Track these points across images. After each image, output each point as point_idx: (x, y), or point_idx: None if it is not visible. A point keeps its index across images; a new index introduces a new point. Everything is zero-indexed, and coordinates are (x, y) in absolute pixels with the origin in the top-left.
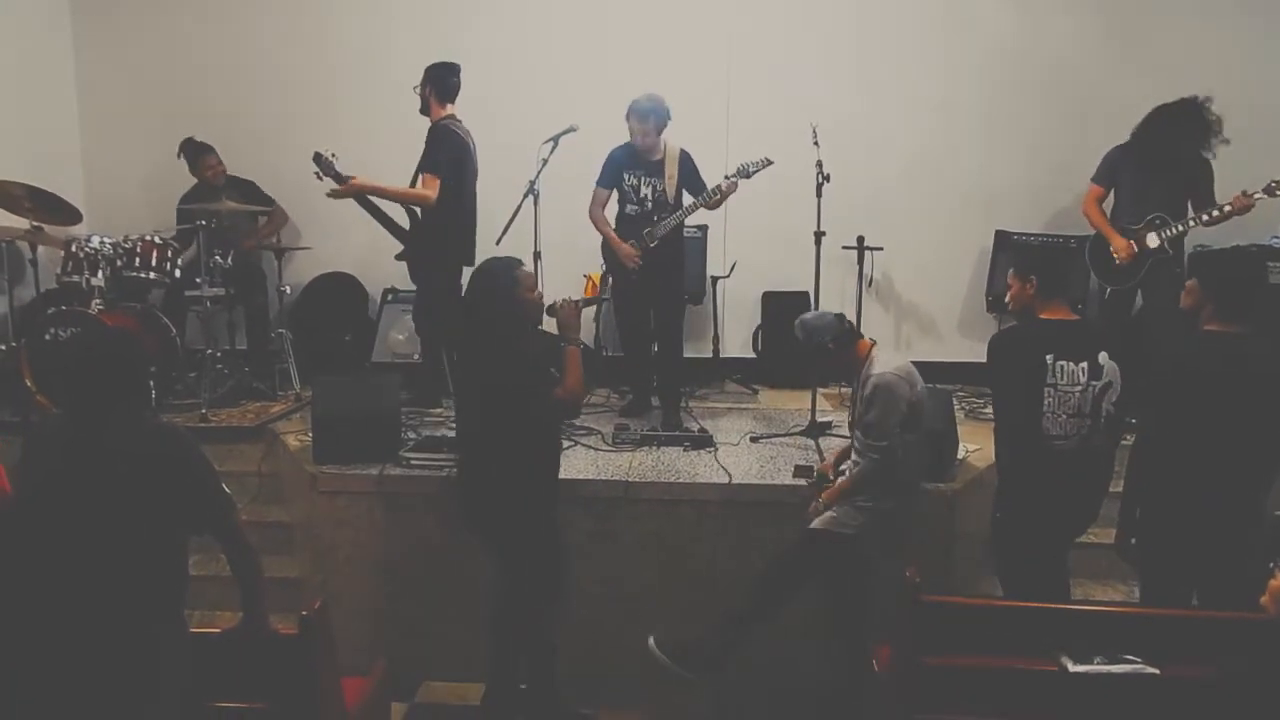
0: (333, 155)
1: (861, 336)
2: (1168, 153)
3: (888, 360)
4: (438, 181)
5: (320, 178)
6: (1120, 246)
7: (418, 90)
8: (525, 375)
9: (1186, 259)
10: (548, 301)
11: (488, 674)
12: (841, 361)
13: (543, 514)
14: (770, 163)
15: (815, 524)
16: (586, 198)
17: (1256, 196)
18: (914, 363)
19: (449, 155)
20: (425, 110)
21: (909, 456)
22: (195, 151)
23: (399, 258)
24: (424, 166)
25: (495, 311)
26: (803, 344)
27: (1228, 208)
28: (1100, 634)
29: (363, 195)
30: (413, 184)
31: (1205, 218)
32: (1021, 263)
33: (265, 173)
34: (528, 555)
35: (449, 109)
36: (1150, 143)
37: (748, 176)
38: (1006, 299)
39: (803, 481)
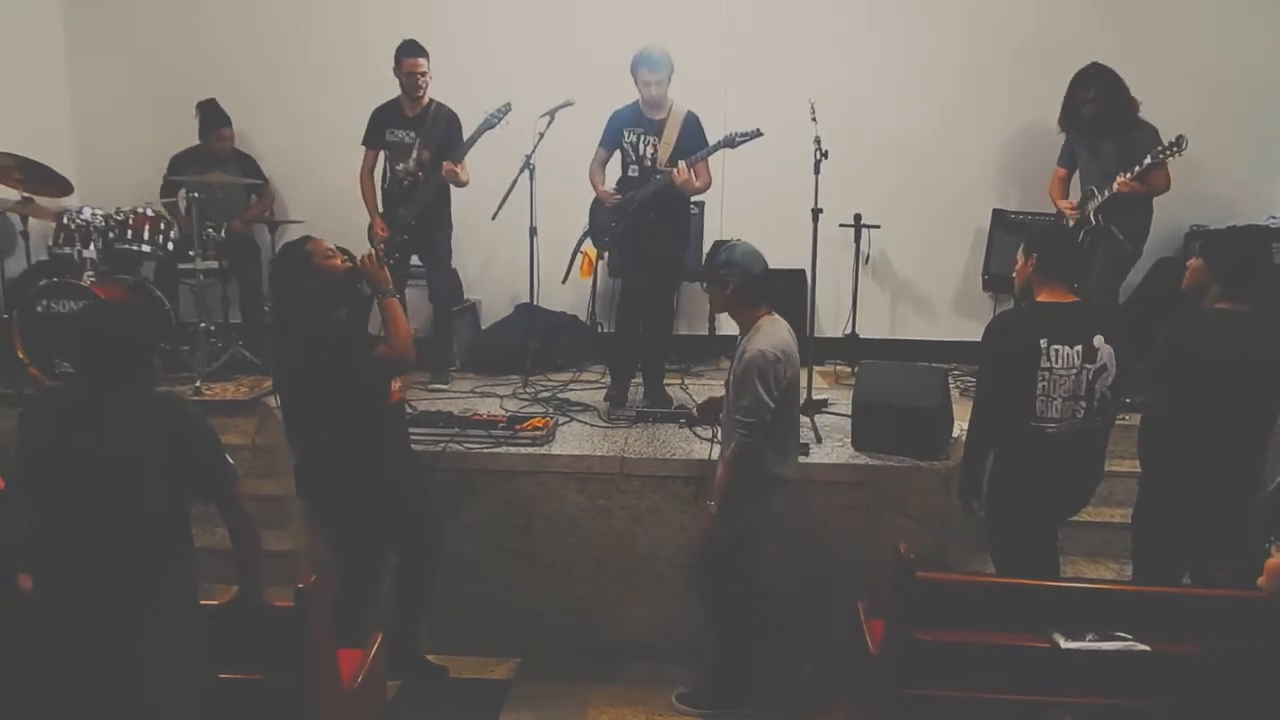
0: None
1: (764, 304)
2: (1087, 120)
3: (770, 334)
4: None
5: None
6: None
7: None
8: (336, 341)
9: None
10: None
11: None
12: (730, 310)
13: (385, 484)
14: (760, 134)
15: (712, 540)
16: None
17: (1130, 178)
18: (910, 341)
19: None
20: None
21: (778, 433)
22: (213, 118)
23: (399, 234)
24: (460, 155)
25: (295, 288)
26: (710, 264)
27: (1111, 190)
28: (1092, 611)
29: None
30: (453, 168)
31: (1106, 192)
32: (1028, 239)
33: (259, 142)
34: (376, 530)
35: None
36: (1070, 115)
37: (732, 146)
38: (1014, 273)
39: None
